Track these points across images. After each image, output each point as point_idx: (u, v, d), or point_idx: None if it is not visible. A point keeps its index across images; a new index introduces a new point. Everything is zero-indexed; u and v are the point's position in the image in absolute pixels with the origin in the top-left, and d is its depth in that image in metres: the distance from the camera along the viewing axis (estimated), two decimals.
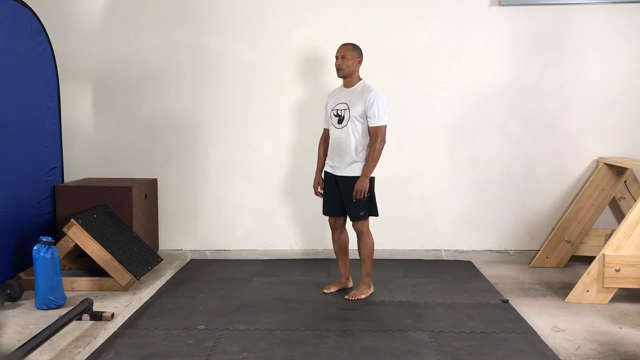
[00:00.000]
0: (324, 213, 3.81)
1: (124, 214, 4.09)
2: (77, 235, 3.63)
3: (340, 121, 3.59)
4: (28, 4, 3.96)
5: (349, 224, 3.74)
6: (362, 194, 3.52)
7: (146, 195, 4.39)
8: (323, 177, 3.79)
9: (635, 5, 4.37)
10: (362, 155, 3.57)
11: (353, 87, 3.62)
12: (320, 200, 3.83)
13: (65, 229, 3.64)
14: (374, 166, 3.55)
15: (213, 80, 4.56)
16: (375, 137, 3.52)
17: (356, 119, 3.53)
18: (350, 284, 3.88)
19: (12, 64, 3.74)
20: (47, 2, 4.43)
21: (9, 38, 3.72)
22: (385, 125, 3.54)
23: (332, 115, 3.64)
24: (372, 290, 3.76)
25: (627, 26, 4.39)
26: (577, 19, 4.41)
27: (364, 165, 3.55)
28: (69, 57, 4.51)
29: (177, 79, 4.57)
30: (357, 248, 3.73)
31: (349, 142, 3.55)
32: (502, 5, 4.41)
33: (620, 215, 4.50)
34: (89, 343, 2.83)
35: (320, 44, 4.44)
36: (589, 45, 4.43)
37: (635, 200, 3.92)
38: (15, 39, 3.79)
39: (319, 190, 3.80)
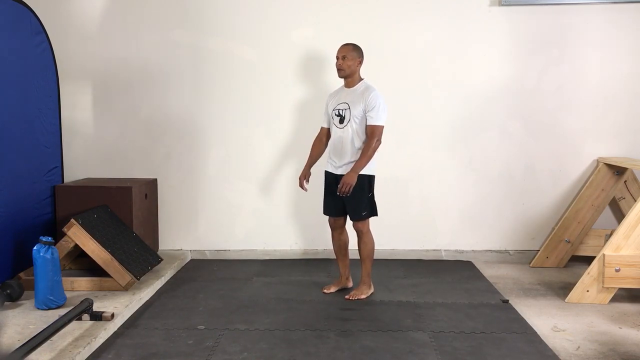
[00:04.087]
0: (325, 213, 3.81)
1: (124, 214, 4.09)
2: (77, 235, 3.63)
3: (341, 121, 3.60)
4: (28, 4, 3.96)
5: (349, 224, 3.74)
6: (348, 188, 3.48)
7: (146, 195, 4.39)
8: (324, 176, 3.78)
9: (635, 5, 4.37)
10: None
11: (354, 87, 3.63)
12: (320, 200, 3.83)
13: (65, 229, 3.64)
14: (366, 163, 3.52)
15: (213, 80, 4.56)
16: (372, 136, 3.51)
17: (357, 118, 3.54)
18: (350, 284, 3.88)
19: (12, 64, 3.74)
20: (47, 2, 4.43)
21: (9, 38, 3.72)
22: (383, 126, 3.54)
23: (334, 115, 3.65)
24: (372, 290, 3.76)
25: (627, 26, 4.39)
26: (577, 19, 4.41)
27: (357, 161, 3.52)
28: (69, 57, 4.51)
29: (177, 79, 4.57)
30: (357, 248, 3.73)
31: (350, 141, 3.56)
32: (502, 5, 4.41)
33: (620, 215, 4.50)
34: (89, 343, 2.83)
35: (320, 44, 4.44)
36: (589, 45, 4.43)
37: (635, 200, 3.92)
38: (15, 39, 3.79)
39: (304, 183, 3.83)
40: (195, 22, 4.52)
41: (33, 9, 4.01)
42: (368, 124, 3.53)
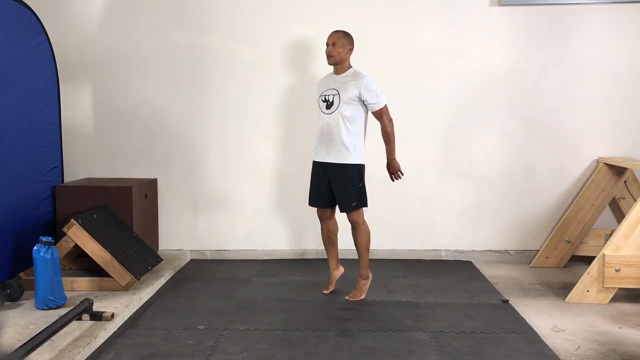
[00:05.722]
0: (310, 204, 3.77)
1: (124, 214, 4.09)
2: (77, 235, 3.63)
3: (328, 107, 3.58)
4: (28, 4, 3.96)
5: (343, 216, 3.70)
6: (398, 173, 3.63)
7: (146, 195, 4.39)
8: (312, 166, 3.75)
9: (635, 5, 4.37)
10: (351, 141, 3.54)
11: (343, 74, 3.61)
12: None
13: (65, 229, 3.64)
14: (394, 145, 3.62)
15: (213, 80, 4.56)
16: (382, 119, 3.57)
17: (346, 104, 3.52)
18: (341, 271, 3.85)
19: (12, 64, 3.74)
20: (47, 2, 4.43)
21: (9, 38, 3.72)
22: (386, 104, 3.58)
23: (321, 101, 3.64)
24: (370, 277, 3.72)
25: (627, 26, 4.39)
26: (577, 19, 4.41)
27: (387, 149, 3.62)
28: (69, 57, 4.51)
29: (177, 78, 4.57)
30: (352, 240, 3.69)
31: (338, 128, 3.53)
32: (502, 5, 4.41)
33: (620, 215, 4.50)
34: (89, 343, 2.83)
35: (320, 44, 4.43)
36: (589, 45, 4.43)
37: (635, 200, 3.92)
38: (15, 39, 3.79)
39: None
40: (195, 22, 4.52)
41: (33, 9, 4.01)
42: (373, 110, 3.56)
